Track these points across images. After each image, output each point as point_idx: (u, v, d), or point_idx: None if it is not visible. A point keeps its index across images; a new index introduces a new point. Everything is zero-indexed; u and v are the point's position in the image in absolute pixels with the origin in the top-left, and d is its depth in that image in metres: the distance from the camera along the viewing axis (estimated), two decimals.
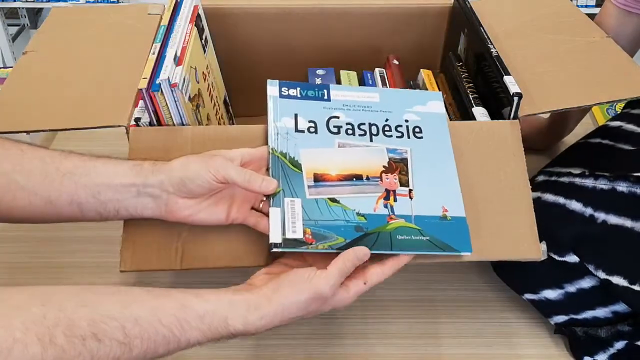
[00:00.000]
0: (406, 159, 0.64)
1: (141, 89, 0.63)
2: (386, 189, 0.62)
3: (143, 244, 0.62)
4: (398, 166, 0.64)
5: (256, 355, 0.74)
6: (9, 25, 2.82)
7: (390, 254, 0.59)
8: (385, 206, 0.61)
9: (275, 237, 0.57)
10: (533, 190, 0.66)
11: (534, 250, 0.64)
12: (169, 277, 0.82)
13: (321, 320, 0.78)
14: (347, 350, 0.75)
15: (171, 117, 0.65)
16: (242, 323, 0.52)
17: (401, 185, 0.63)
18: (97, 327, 0.45)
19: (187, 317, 0.50)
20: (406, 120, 0.67)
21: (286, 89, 0.67)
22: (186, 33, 0.71)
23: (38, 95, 0.69)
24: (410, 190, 0.62)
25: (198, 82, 0.72)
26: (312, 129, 0.64)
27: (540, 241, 0.64)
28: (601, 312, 0.72)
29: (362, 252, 0.57)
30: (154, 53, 0.68)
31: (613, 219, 0.69)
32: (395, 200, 0.62)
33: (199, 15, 0.78)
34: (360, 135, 0.65)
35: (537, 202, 0.73)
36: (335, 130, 0.65)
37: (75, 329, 0.44)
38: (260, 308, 0.53)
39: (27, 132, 0.79)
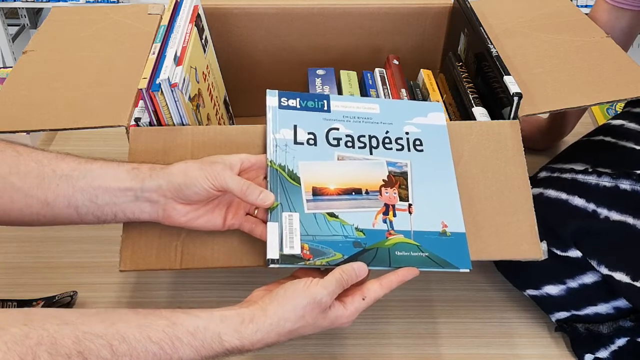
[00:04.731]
0: (406, 173, 0.64)
1: (141, 89, 0.63)
2: (385, 204, 0.62)
3: (143, 243, 0.62)
4: (398, 180, 0.63)
5: (256, 355, 0.74)
6: (9, 25, 2.81)
7: (388, 270, 0.58)
8: (385, 221, 0.61)
9: (272, 252, 0.56)
10: (535, 186, 0.66)
11: (535, 249, 0.64)
12: (169, 276, 0.82)
13: None
14: (347, 350, 0.75)
15: (171, 117, 0.65)
16: (237, 337, 0.50)
17: (401, 199, 0.62)
18: (83, 345, 0.43)
19: (178, 333, 0.48)
20: (406, 133, 0.67)
21: (285, 99, 0.67)
22: (186, 33, 0.71)
23: (38, 95, 0.69)
24: (409, 205, 0.62)
25: (198, 82, 0.72)
26: (311, 141, 0.64)
27: (541, 240, 0.64)
28: (603, 308, 0.72)
29: (360, 268, 0.56)
30: (154, 53, 0.68)
31: (615, 216, 0.69)
32: (394, 215, 0.61)
33: (199, 15, 0.78)
34: (360, 147, 0.65)
35: (539, 197, 0.73)
36: (335, 142, 0.64)
37: (59, 348, 0.42)
38: (255, 320, 0.51)
39: (27, 132, 0.79)
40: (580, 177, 0.74)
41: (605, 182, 0.71)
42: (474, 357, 0.74)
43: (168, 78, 0.62)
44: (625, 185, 0.70)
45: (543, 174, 0.81)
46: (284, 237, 0.57)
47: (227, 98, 0.91)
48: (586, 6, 2.66)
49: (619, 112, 0.91)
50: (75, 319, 0.45)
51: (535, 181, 0.66)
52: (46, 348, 0.41)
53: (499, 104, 0.72)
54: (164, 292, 0.80)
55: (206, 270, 0.62)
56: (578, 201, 0.72)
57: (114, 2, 2.55)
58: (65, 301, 0.77)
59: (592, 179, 0.73)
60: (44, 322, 0.43)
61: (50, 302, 0.76)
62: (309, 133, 0.65)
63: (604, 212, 0.70)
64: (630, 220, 0.68)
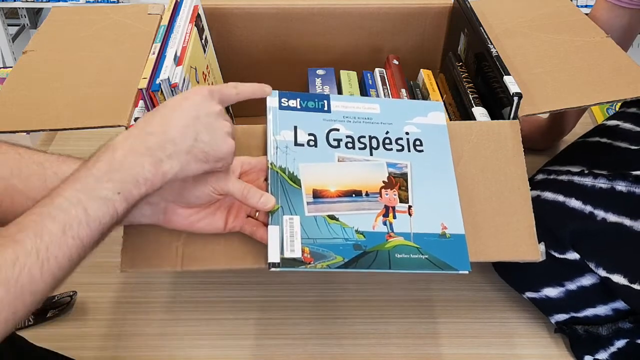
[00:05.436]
0: (406, 174, 0.64)
1: (141, 89, 0.63)
2: (385, 206, 0.61)
3: (144, 244, 0.62)
4: (398, 181, 0.63)
5: (256, 355, 0.74)
6: (9, 25, 2.81)
7: (388, 272, 0.58)
8: (385, 223, 0.60)
9: (273, 256, 0.56)
10: (532, 188, 0.66)
11: (533, 251, 0.64)
12: (169, 276, 0.82)
13: (321, 320, 0.78)
14: (347, 350, 0.75)
15: None
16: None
17: (401, 201, 0.62)
18: None
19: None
20: (407, 133, 0.66)
21: (286, 99, 0.66)
22: (186, 33, 0.71)
23: (38, 95, 0.69)
24: (409, 207, 0.62)
25: (198, 82, 0.72)
26: (311, 142, 0.64)
27: (540, 242, 0.64)
28: (602, 310, 0.72)
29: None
30: (154, 53, 0.68)
31: (612, 217, 0.69)
32: (394, 217, 0.61)
33: (199, 15, 0.78)
34: (360, 148, 0.64)
35: (536, 200, 0.73)
36: (335, 143, 0.64)
37: None
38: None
39: (27, 132, 0.79)
40: (576, 179, 0.74)
41: (602, 183, 0.71)
42: (474, 357, 0.74)
43: (168, 78, 0.62)
44: (621, 186, 0.70)
45: (540, 177, 0.81)
46: (284, 240, 0.57)
47: None
48: (586, 6, 2.66)
49: (614, 113, 0.91)
50: None
51: (532, 184, 0.66)
52: None
53: (499, 104, 0.72)
54: (164, 292, 0.80)
55: (206, 270, 0.62)
56: (575, 203, 0.72)
57: (114, 2, 2.55)
58: (65, 301, 0.77)
59: (588, 181, 0.73)
60: None
61: (49, 302, 0.76)
62: (309, 134, 0.64)
63: (600, 213, 0.70)
64: (627, 221, 0.68)
